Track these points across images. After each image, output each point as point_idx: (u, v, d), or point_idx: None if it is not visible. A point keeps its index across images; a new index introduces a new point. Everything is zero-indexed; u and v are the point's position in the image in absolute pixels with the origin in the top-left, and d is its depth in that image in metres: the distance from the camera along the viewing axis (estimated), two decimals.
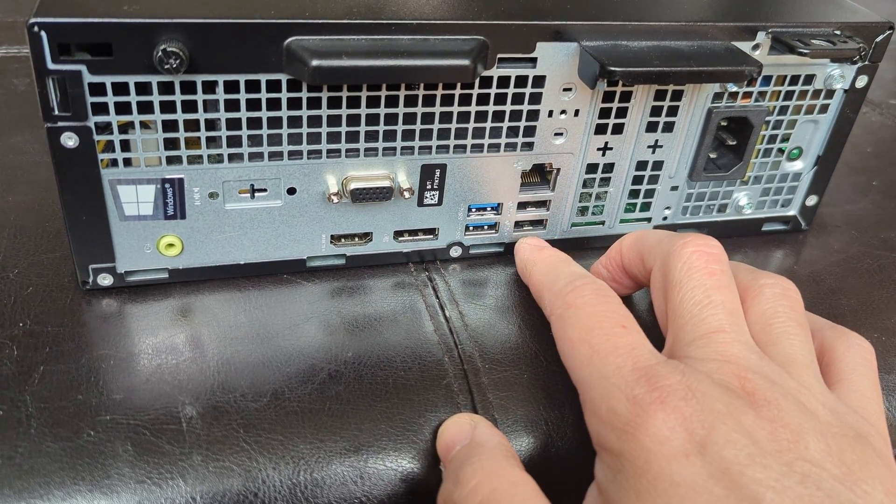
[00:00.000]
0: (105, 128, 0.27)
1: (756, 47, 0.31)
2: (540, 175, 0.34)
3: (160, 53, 0.25)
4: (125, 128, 0.27)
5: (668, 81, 0.29)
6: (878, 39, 0.33)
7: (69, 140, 0.26)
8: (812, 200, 0.38)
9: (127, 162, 0.28)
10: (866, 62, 0.33)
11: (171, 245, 0.30)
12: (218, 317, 0.30)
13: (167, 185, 0.28)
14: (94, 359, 0.27)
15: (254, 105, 0.27)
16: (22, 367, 0.27)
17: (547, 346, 0.30)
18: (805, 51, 0.30)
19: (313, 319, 0.30)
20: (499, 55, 0.29)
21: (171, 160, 0.28)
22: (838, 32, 0.32)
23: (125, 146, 0.27)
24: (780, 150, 0.36)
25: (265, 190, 0.30)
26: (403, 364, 0.29)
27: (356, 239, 0.32)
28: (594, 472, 0.23)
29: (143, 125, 0.27)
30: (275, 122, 0.28)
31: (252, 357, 0.28)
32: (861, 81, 0.34)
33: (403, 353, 0.29)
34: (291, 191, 0.30)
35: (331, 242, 0.32)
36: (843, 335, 0.27)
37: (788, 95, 0.34)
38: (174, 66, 0.25)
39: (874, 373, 0.26)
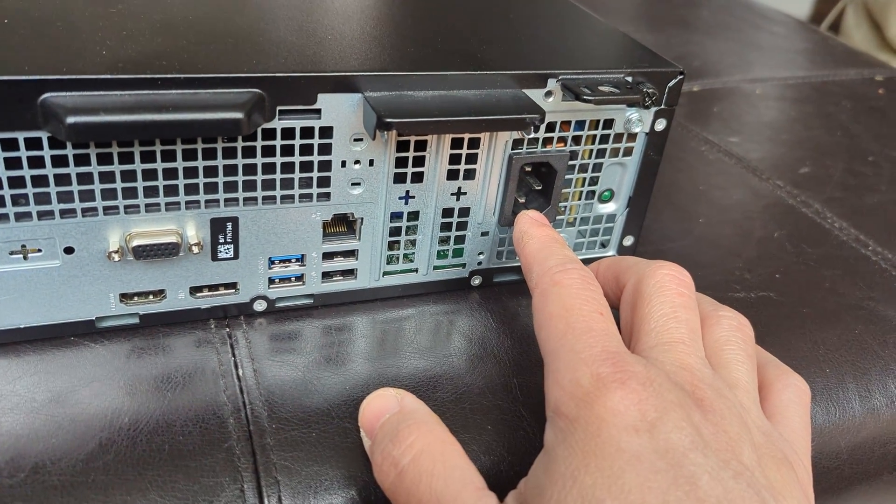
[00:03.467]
0: None
1: (549, 94, 0.32)
2: (346, 225, 0.33)
3: None
4: None
5: (448, 131, 0.29)
6: (671, 84, 0.34)
7: None
8: (629, 241, 0.38)
9: None
10: (661, 106, 0.34)
11: None
12: None
13: None
14: None
15: (14, 164, 0.26)
16: None
17: (339, 402, 0.29)
18: (590, 98, 0.31)
19: (94, 384, 0.29)
20: (279, 107, 0.28)
21: None
22: (629, 79, 0.33)
23: None
24: (592, 193, 0.36)
25: (40, 250, 0.28)
26: (183, 428, 0.27)
27: (149, 297, 0.31)
28: (544, 437, 0.24)
29: None
30: (40, 181, 0.27)
31: (17, 429, 0.27)
32: (660, 125, 0.35)
33: (185, 417, 0.28)
34: (69, 250, 0.29)
35: (121, 301, 0.31)
36: (784, 373, 0.29)
37: (590, 139, 0.34)
38: None
39: (806, 411, 0.28)
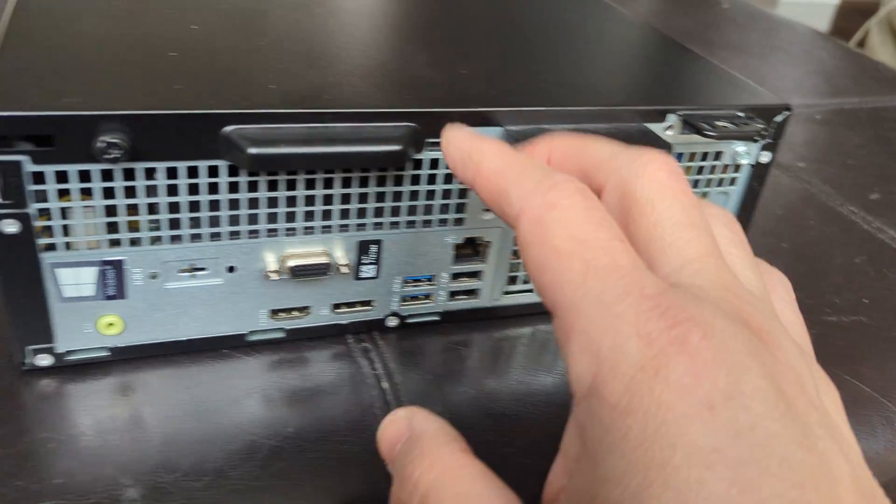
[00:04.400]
0: (44, 213, 0.27)
1: (669, 128, 0.34)
2: (472, 247, 0.35)
3: (102, 144, 0.26)
4: (65, 213, 0.27)
5: None
6: (778, 120, 0.36)
7: (9, 226, 0.27)
8: None
9: (66, 245, 0.28)
10: (768, 140, 0.36)
11: (111, 324, 0.30)
12: (159, 394, 0.30)
13: (107, 267, 0.29)
14: (33, 442, 0.27)
15: (193, 190, 0.28)
16: None
17: (471, 414, 0.31)
18: (711, 133, 0.33)
19: (254, 394, 0.31)
20: (427, 139, 0.30)
21: (112, 242, 0.29)
22: (741, 114, 0.35)
23: (65, 230, 0.28)
24: None
25: (205, 269, 0.31)
26: (344, 437, 0.29)
27: (295, 312, 0.33)
28: (576, 416, 0.19)
29: (84, 209, 0.28)
30: (214, 205, 0.29)
31: (194, 435, 0.29)
32: (765, 157, 0.37)
33: (343, 426, 0.30)
34: (231, 269, 0.31)
35: (270, 317, 0.33)
36: (769, 269, 0.25)
37: (700, 170, 0.36)
38: (116, 156, 0.26)
39: (797, 306, 0.24)
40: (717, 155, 0.36)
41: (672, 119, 0.34)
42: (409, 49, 0.36)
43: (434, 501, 0.21)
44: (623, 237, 0.20)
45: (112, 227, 0.28)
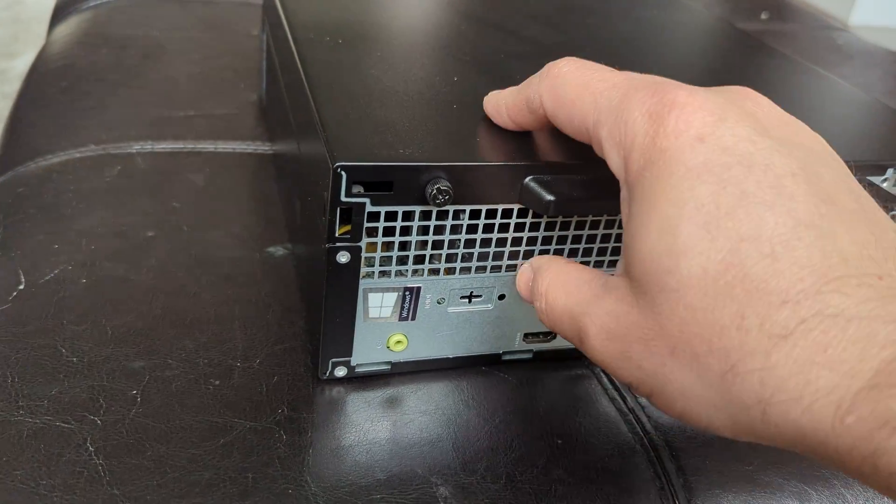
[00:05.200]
0: (371, 246, 0.31)
1: (885, 181, 0.37)
2: None
3: (434, 191, 0.30)
4: (387, 246, 0.32)
5: None
6: None
7: (342, 257, 0.31)
8: None
9: (381, 273, 0.32)
10: None
11: (399, 342, 0.35)
12: (441, 404, 0.34)
13: (407, 293, 0.33)
14: (352, 444, 0.32)
15: (488, 228, 0.33)
16: (293, 451, 0.31)
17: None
18: None
19: (521, 408, 0.35)
20: None
21: (414, 272, 0.33)
22: None
23: (383, 261, 0.32)
24: None
25: (481, 296, 0.35)
26: (605, 450, 0.33)
27: (541, 336, 0.37)
28: (622, 198, 0.25)
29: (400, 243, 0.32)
30: (501, 242, 0.33)
31: (479, 442, 0.33)
32: None
33: (602, 440, 0.34)
34: (502, 297, 0.35)
35: (523, 339, 0.37)
36: None
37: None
38: (443, 200, 0.30)
39: None
40: None
41: (890, 173, 0.37)
42: None
43: (552, 294, 0.27)
44: (609, 68, 0.27)
45: (417, 259, 0.33)
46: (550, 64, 0.29)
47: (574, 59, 0.28)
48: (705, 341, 0.21)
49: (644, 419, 0.35)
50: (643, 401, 0.36)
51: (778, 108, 0.26)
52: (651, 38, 0.51)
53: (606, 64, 0.28)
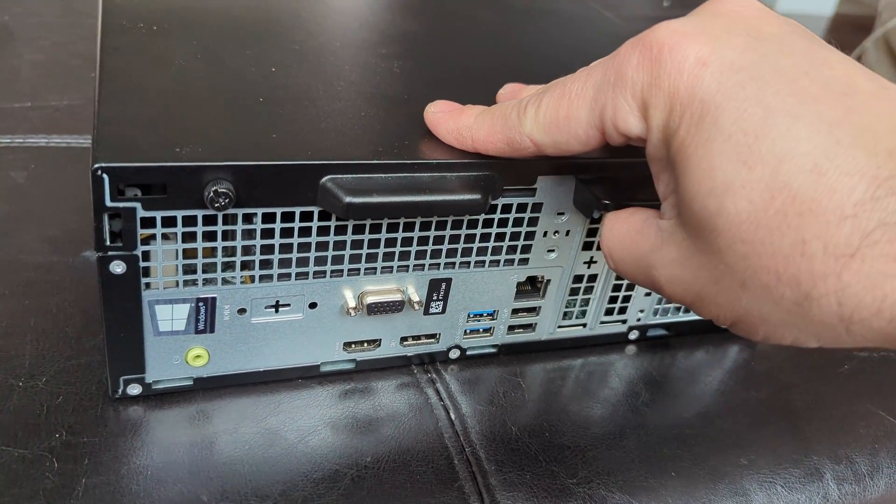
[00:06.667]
0: (147, 254, 0.29)
1: None
2: (531, 284, 0.37)
3: (211, 193, 0.27)
4: (168, 254, 0.29)
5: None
6: None
7: (117, 267, 0.28)
8: None
9: (168, 284, 0.30)
10: None
11: (198, 356, 0.32)
12: (241, 424, 0.32)
13: (201, 304, 0.31)
14: (132, 470, 0.29)
15: (286, 233, 0.30)
16: (65, 480, 0.28)
17: (545, 447, 0.33)
18: None
19: (331, 423, 0.33)
20: (504, 186, 0.32)
21: (206, 281, 0.30)
22: None
23: (166, 270, 0.29)
24: None
25: (289, 305, 0.32)
26: (418, 467, 0.31)
27: (366, 345, 0.35)
28: (659, 158, 0.25)
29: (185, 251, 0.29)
30: (304, 247, 0.31)
31: (279, 463, 0.30)
32: None
33: (416, 456, 0.32)
34: (313, 305, 0.33)
35: (343, 349, 0.35)
36: None
37: None
38: (223, 204, 0.27)
39: None
40: None
41: None
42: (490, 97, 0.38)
43: (616, 255, 0.27)
44: (585, 71, 0.27)
45: (208, 267, 0.30)
46: (528, 101, 0.28)
47: (546, 89, 0.27)
48: (772, 273, 0.21)
49: (472, 442, 0.33)
50: (468, 411, 0.34)
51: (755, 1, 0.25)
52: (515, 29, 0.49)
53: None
